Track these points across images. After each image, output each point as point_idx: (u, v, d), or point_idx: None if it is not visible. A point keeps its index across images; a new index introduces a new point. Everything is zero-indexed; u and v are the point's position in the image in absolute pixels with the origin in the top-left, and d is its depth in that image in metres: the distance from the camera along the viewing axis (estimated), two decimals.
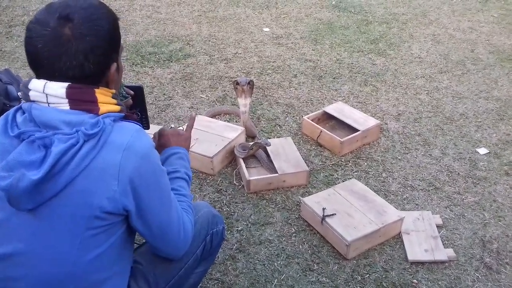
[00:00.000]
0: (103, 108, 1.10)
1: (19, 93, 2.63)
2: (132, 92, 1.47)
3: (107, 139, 1.07)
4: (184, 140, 1.51)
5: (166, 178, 1.22)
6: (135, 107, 1.49)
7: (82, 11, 1.08)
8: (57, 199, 1.05)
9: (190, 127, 1.59)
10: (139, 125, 1.17)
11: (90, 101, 1.09)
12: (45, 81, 1.07)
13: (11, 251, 1.11)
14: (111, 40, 1.13)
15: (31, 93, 1.08)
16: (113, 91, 1.17)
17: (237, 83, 2.64)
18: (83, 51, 1.06)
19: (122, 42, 1.24)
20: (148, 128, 1.52)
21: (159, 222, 1.20)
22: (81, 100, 1.08)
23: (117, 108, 1.15)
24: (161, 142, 1.49)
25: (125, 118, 1.17)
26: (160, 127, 2.64)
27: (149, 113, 2.91)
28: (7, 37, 3.96)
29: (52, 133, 1.04)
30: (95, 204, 1.06)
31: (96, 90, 1.11)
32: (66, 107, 1.07)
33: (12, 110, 1.12)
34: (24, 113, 1.10)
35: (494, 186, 2.46)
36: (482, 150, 2.72)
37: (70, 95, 1.07)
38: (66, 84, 1.07)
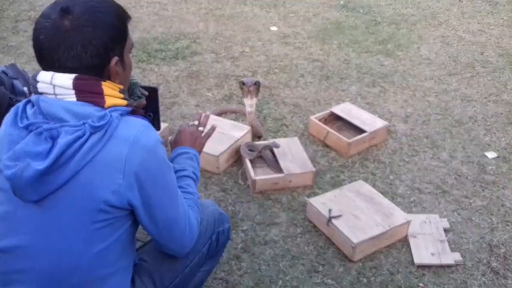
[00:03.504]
0: (109, 101, 1.11)
1: (24, 88, 2.63)
2: (146, 93, 1.47)
3: (113, 133, 1.07)
4: (199, 145, 1.55)
5: (172, 173, 1.21)
6: (149, 108, 1.49)
7: (83, 4, 1.10)
8: (62, 191, 1.05)
9: (208, 136, 1.62)
10: (146, 120, 1.17)
11: (96, 92, 1.10)
12: (53, 72, 1.09)
13: (15, 244, 1.11)
14: (112, 33, 1.13)
15: (39, 85, 1.09)
16: (121, 86, 1.18)
17: (243, 84, 2.63)
18: (81, 42, 1.08)
19: (132, 39, 1.24)
20: (159, 129, 1.52)
21: (165, 218, 1.20)
22: (87, 92, 1.09)
23: (124, 102, 1.15)
24: (177, 138, 1.52)
25: (132, 113, 1.17)
26: (166, 124, 2.66)
27: None
28: (13, 32, 3.97)
29: (59, 125, 1.05)
30: (99, 196, 1.06)
31: (103, 82, 1.12)
32: (73, 98, 1.08)
33: (22, 102, 1.13)
34: (34, 105, 1.11)
35: (503, 190, 2.43)
36: (491, 154, 2.69)
37: (76, 86, 1.08)
38: (73, 76, 1.08)
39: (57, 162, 1.02)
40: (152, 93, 1.49)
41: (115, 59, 1.15)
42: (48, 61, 1.09)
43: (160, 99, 3.07)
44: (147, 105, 1.48)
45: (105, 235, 1.11)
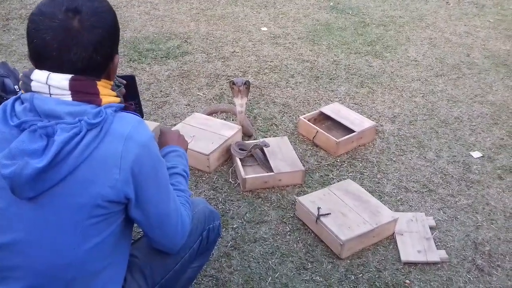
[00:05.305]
0: (104, 99, 1.12)
1: (15, 86, 2.63)
2: (124, 82, 1.49)
3: (108, 129, 1.08)
4: (184, 143, 1.58)
5: (165, 170, 1.23)
6: (129, 96, 1.51)
7: (89, 4, 1.09)
8: (58, 188, 1.05)
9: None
10: (139, 116, 1.19)
11: (92, 93, 1.10)
12: (48, 72, 1.07)
13: (10, 240, 1.11)
14: (115, 32, 1.15)
15: (33, 84, 1.08)
16: (112, 82, 1.20)
17: (233, 83, 2.65)
18: (93, 43, 1.08)
19: None
20: (142, 116, 1.55)
21: (158, 213, 1.21)
22: (83, 92, 1.09)
23: (117, 99, 1.17)
24: (161, 140, 1.55)
25: (125, 109, 1.18)
26: (157, 123, 2.67)
27: (145, 110, 2.94)
28: (4, 30, 3.94)
29: (55, 123, 1.05)
30: (97, 192, 1.07)
31: (98, 82, 1.13)
32: (69, 98, 1.08)
33: (10, 100, 1.12)
34: (23, 103, 1.10)
35: (487, 189, 2.48)
36: (476, 154, 2.74)
37: (73, 87, 1.08)
38: (69, 76, 1.07)
39: (55, 160, 1.03)
40: (130, 81, 1.51)
41: (117, 57, 1.18)
42: (54, 62, 1.07)
43: (151, 98, 3.11)
44: (127, 93, 1.50)
45: (99, 230, 1.12)
